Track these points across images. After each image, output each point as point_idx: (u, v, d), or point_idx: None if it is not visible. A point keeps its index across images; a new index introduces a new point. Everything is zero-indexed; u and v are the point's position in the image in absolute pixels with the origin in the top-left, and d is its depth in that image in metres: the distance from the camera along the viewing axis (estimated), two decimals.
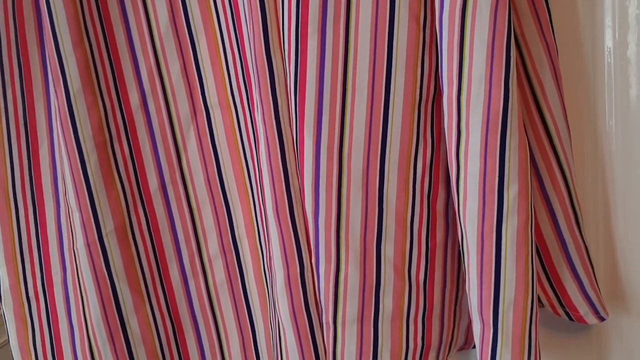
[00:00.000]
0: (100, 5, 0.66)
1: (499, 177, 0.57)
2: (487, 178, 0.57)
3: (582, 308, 0.66)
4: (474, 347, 0.73)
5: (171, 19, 0.67)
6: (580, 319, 0.67)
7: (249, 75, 0.66)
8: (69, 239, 0.70)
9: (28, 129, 0.69)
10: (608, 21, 0.66)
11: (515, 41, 0.61)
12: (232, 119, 0.69)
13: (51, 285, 0.72)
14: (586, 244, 0.66)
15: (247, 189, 0.71)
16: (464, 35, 0.57)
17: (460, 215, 0.59)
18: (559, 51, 0.64)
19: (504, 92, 0.56)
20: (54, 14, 0.62)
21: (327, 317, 0.64)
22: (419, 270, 0.64)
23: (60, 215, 0.71)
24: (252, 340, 0.74)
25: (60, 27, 0.63)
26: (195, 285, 0.73)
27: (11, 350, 0.73)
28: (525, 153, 0.58)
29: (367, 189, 0.62)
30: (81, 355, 0.71)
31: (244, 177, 0.71)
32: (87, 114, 0.65)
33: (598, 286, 0.67)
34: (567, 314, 0.67)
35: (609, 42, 0.66)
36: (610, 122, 0.68)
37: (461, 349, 0.74)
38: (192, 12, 0.67)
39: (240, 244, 0.72)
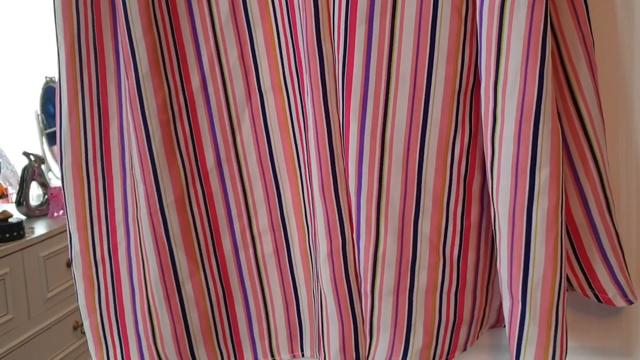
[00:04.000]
0: None
1: (531, 160, 0.60)
2: (519, 161, 0.61)
3: (611, 291, 0.69)
4: (505, 326, 0.76)
5: (231, 11, 0.73)
6: (609, 301, 0.70)
7: (301, 62, 0.71)
8: (133, 209, 0.77)
9: (100, 109, 0.75)
10: None
11: (552, 32, 0.64)
12: (284, 102, 0.75)
13: (116, 251, 0.79)
14: (617, 229, 0.68)
15: (295, 168, 0.76)
16: (502, 28, 0.60)
17: (493, 195, 0.63)
18: (595, 43, 0.67)
19: (539, 83, 0.59)
20: (127, 3, 0.69)
21: (366, 287, 0.69)
22: (454, 247, 0.69)
23: (126, 188, 0.77)
24: (295, 308, 0.80)
25: (132, 15, 0.69)
26: (245, 256, 0.79)
27: (79, 310, 0.81)
28: (557, 139, 0.61)
29: (407, 170, 0.67)
30: (140, 314, 0.78)
31: (293, 157, 0.76)
32: (154, 95, 0.71)
33: (628, 271, 0.69)
34: (595, 296, 0.70)
35: None
36: None
37: (493, 326, 0.78)
38: (250, 5, 0.72)
39: (288, 220, 0.78)
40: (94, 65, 0.74)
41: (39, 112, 2.46)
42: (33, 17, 2.39)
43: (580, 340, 0.76)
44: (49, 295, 1.85)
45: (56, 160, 2.49)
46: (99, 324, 0.80)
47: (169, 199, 0.74)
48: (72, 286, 1.97)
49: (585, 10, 0.65)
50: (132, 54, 0.70)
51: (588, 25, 0.66)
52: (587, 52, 0.66)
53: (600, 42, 0.69)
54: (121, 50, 0.73)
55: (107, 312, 0.79)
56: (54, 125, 2.51)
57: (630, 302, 0.70)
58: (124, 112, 0.75)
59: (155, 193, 0.73)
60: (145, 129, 0.71)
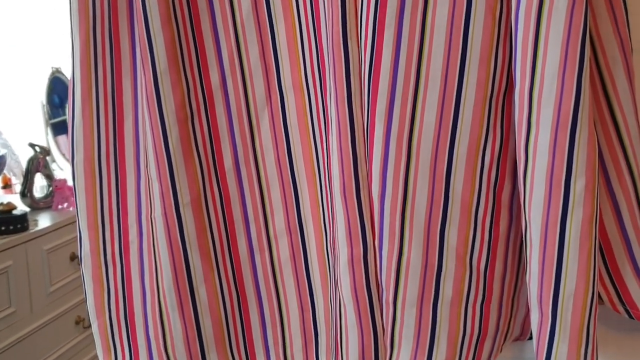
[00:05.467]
0: None
1: (567, 171, 0.58)
2: (554, 171, 0.58)
3: None
4: (530, 338, 0.74)
5: (253, 6, 0.70)
6: None
7: (324, 60, 0.68)
8: (146, 208, 0.74)
9: (115, 103, 0.73)
10: None
11: (589, 36, 0.62)
12: (305, 102, 0.72)
13: (127, 252, 0.76)
14: None
15: (314, 171, 0.74)
16: (539, 32, 0.57)
17: (525, 205, 0.60)
18: (633, 49, 0.64)
19: (576, 90, 0.57)
20: None
21: (388, 297, 0.66)
22: (481, 258, 0.66)
23: (140, 187, 0.75)
24: (311, 316, 0.77)
25: (150, 7, 0.67)
26: (261, 260, 0.76)
27: (87, 310, 0.79)
28: (594, 149, 0.58)
29: (435, 176, 0.64)
30: (151, 317, 0.75)
31: (312, 160, 0.73)
32: (172, 91, 0.69)
33: None
34: (627, 311, 0.68)
35: None
36: None
37: (517, 339, 0.75)
38: (273, 1, 0.69)
39: (306, 224, 0.75)
40: (109, 58, 0.72)
41: (44, 103, 2.44)
42: (40, 7, 2.36)
43: (609, 357, 0.74)
44: (52, 288, 1.83)
45: (60, 151, 2.47)
46: (107, 327, 0.77)
47: (185, 199, 0.71)
48: (75, 280, 1.96)
49: (624, 14, 0.63)
50: (149, 48, 0.67)
51: (627, 30, 0.63)
52: (625, 57, 0.63)
53: (638, 48, 0.66)
54: (138, 43, 0.70)
55: (116, 315, 0.77)
56: (59, 116, 2.49)
57: None
58: (139, 108, 0.73)
59: (171, 192, 0.70)
60: (162, 126, 0.69)
